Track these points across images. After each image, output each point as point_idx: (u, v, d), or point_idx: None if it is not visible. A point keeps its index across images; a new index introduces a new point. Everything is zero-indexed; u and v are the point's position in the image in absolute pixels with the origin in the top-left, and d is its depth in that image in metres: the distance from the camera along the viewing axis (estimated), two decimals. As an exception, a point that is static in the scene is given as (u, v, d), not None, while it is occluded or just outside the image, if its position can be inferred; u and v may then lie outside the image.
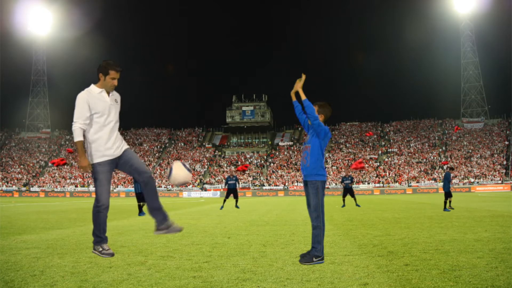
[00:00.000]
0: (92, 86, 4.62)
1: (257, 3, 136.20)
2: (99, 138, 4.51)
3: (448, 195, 13.97)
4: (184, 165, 4.78)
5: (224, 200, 17.27)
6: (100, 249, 4.60)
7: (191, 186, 64.32)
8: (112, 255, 4.62)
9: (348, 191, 17.92)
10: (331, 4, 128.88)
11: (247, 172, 66.29)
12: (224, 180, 65.01)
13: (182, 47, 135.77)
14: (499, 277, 3.61)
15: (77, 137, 4.44)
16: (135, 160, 4.69)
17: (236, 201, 17.50)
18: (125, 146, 4.71)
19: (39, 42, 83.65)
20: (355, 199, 17.77)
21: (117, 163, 4.64)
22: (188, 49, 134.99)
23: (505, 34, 73.05)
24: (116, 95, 4.73)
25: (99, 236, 4.63)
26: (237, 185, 17.35)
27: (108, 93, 4.61)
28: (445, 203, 13.74)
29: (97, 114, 4.49)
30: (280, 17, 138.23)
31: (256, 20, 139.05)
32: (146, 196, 4.67)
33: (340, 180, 18.15)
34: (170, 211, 15.02)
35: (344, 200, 18.02)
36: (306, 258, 4.29)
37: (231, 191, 17.21)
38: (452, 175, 14.79)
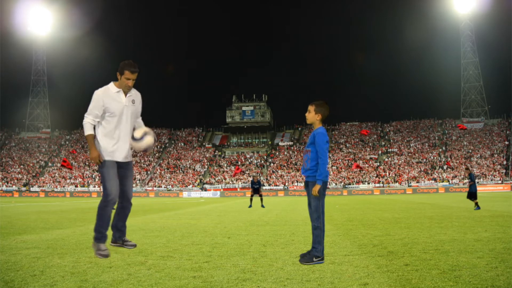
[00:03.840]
0: (111, 84, 4.59)
1: (257, 3, 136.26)
2: (107, 137, 4.52)
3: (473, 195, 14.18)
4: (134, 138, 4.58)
5: (253, 200, 18.98)
6: (96, 248, 4.56)
7: (191, 186, 64.31)
8: (106, 256, 4.52)
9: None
10: (331, 4, 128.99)
11: (247, 172, 66.29)
12: (223, 181, 65.00)
13: (182, 47, 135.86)
14: (499, 277, 3.60)
15: (87, 131, 4.51)
16: (129, 182, 4.72)
17: (261, 200, 19.01)
18: (130, 157, 4.71)
19: (39, 42, 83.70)
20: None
21: (117, 168, 4.64)
22: (188, 49, 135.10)
23: (505, 34, 73.15)
24: (135, 96, 4.65)
25: (101, 232, 4.57)
26: (260, 188, 18.91)
27: (126, 93, 4.57)
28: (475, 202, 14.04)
29: (109, 114, 4.47)
30: (280, 17, 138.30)
31: (256, 20, 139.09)
32: (118, 215, 4.76)
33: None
34: (170, 211, 15.05)
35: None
36: (306, 258, 4.29)
37: (256, 191, 18.78)
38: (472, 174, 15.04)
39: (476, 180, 55.19)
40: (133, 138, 4.52)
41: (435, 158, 64.85)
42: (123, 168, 4.68)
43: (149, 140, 4.48)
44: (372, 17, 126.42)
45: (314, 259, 4.25)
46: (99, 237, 4.58)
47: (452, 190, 52.88)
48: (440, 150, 67.02)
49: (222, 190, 60.79)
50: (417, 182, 58.61)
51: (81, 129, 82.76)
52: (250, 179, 64.97)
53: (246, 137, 79.24)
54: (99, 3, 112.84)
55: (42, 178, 69.36)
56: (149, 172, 68.58)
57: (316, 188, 4.36)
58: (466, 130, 70.71)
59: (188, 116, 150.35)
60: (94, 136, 4.53)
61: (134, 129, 4.83)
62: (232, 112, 79.42)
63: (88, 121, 4.48)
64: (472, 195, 14.09)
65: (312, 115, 4.54)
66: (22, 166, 72.81)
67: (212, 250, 5.27)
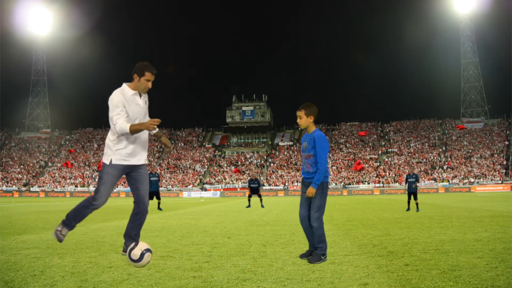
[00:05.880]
0: (125, 86, 4.37)
1: (257, 3, 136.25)
2: (122, 141, 4.33)
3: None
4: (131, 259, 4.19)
5: (251, 200, 18.90)
6: (60, 229, 4.42)
7: (191, 186, 64.26)
8: (60, 240, 4.44)
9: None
10: (331, 4, 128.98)
11: (247, 172, 66.27)
12: (223, 181, 64.99)
13: (182, 47, 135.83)
14: (499, 277, 3.60)
15: (127, 125, 4.17)
16: (145, 186, 4.51)
17: (260, 200, 18.81)
18: (144, 158, 4.53)
19: (39, 42, 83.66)
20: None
21: (128, 172, 4.46)
22: (188, 49, 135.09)
23: (505, 34, 73.14)
24: (145, 97, 4.52)
25: (72, 223, 4.46)
26: (259, 188, 18.76)
27: (140, 95, 4.42)
28: (416, 203, 13.81)
29: (128, 118, 4.29)
30: (280, 17, 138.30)
31: (256, 20, 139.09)
32: (131, 223, 4.52)
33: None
34: (170, 211, 15.04)
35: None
36: (314, 258, 4.37)
37: (254, 191, 18.58)
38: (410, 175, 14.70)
39: (472, 180, 55.46)
40: (130, 257, 4.09)
41: (435, 158, 64.85)
42: (138, 172, 4.48)
43: (148, 257, 4.11)
44: (372, 17, 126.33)
45: (322, 257, 4.37)
46: (69, 224, 4.44)
47: (452, 190, 52.87)
48: (440, 150, 67.01)
49: (222, 190, 60.77)
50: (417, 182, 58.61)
51: (81, 129, 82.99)
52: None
53: (246, 137, 79.23)
54: (99, 3, 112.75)
55: (42, 178, 69.35)
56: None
57: (312, 191, 4.46)
58: (466, 130, 70.70)
59: (188, 116, 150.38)
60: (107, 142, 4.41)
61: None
62: (232, 112, 79.41)
63: (122, 120, 4.19)
64: (411, 195, 13.87)
65: (305, 119, 4.57)
66: (22, 166, 72.81)
67: (212, 250, 5.27)
